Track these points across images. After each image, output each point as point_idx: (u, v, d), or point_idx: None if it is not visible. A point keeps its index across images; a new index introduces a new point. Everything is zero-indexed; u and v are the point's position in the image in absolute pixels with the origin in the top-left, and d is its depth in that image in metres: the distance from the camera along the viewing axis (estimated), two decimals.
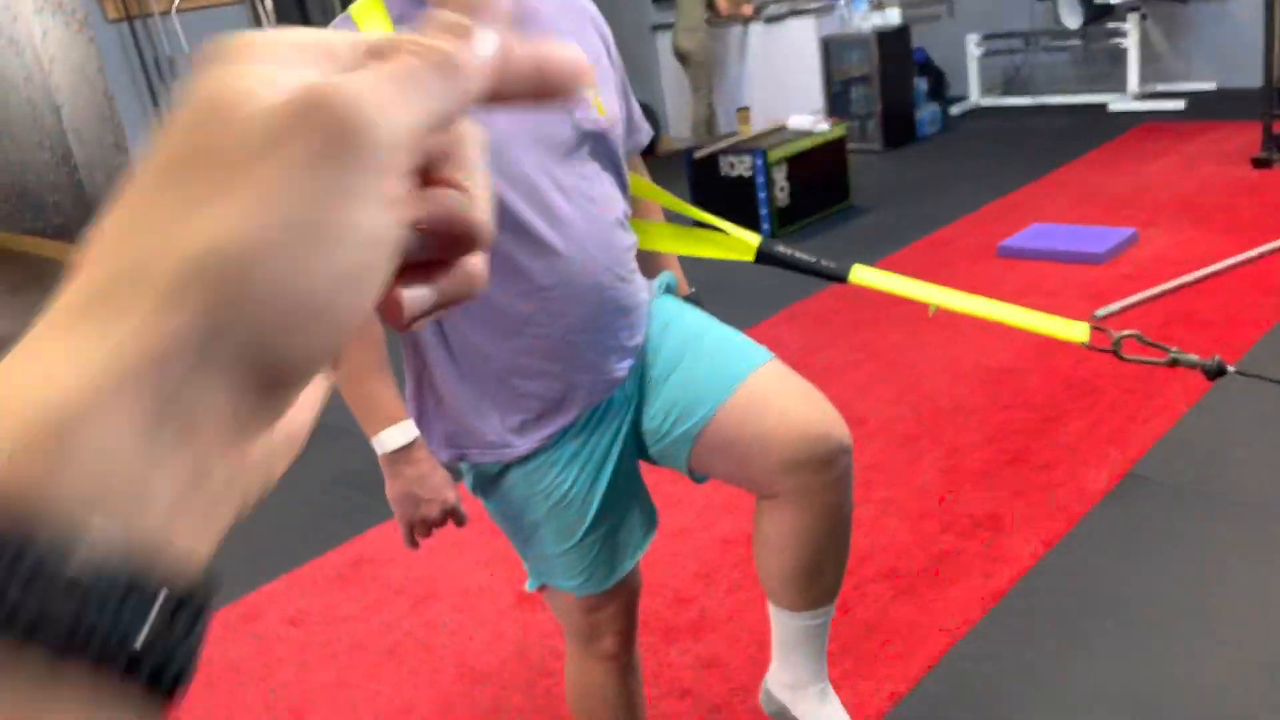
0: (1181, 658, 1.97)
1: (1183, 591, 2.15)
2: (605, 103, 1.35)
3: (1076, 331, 1.46)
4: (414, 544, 1.36)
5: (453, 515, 1.36)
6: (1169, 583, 2.18)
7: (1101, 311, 3.52)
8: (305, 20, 7.02)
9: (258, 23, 6.50)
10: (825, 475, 1.34)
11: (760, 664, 2.14)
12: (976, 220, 4.89)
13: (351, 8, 1.25)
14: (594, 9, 1.43)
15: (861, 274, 1.48)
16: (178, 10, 6.12)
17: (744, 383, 1.36)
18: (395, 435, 1.29)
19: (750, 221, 5.23)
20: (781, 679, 1.54)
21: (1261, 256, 3.80)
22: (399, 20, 1.24)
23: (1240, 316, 3.36)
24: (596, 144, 1.33)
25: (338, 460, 3.49)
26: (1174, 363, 1.37)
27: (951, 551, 2.41)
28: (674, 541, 2.63)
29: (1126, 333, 1.45)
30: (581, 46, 1.33)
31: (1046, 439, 2.83)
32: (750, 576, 2.43)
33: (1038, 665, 2.02)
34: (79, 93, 6.45)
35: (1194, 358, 1.36)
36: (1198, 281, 3.68)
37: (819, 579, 1.44)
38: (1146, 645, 2.02)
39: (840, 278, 1.48)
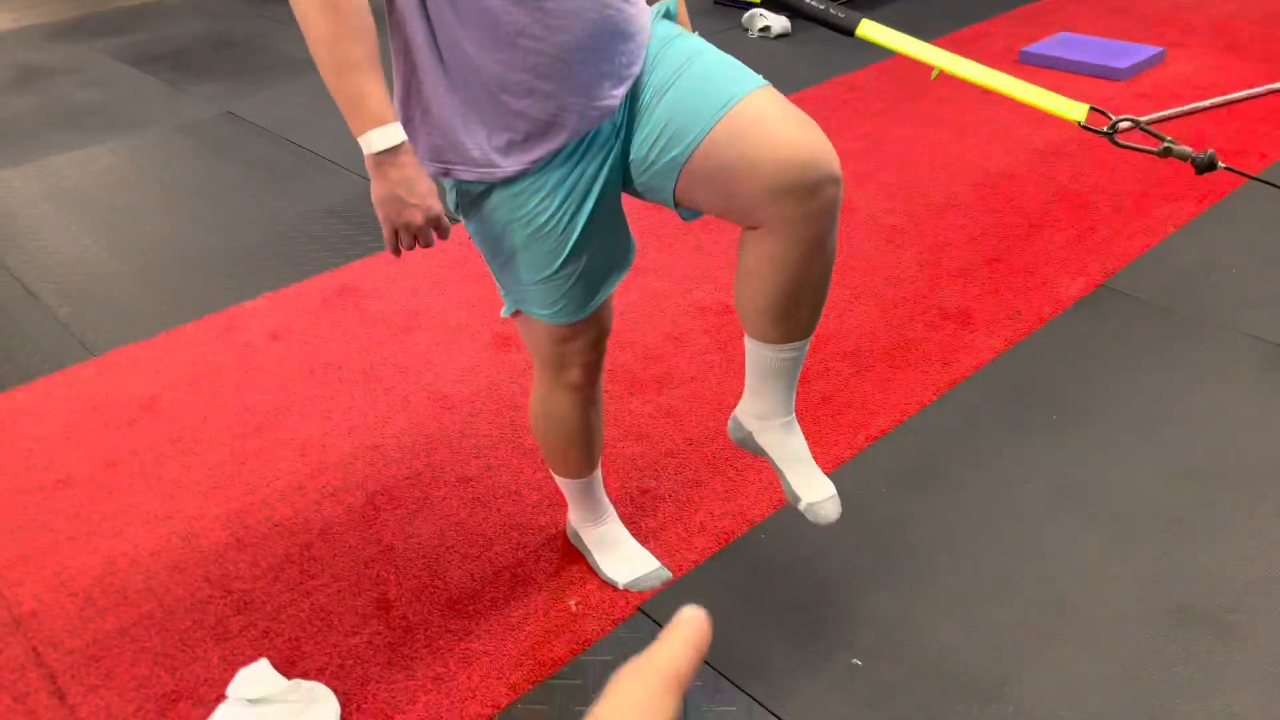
0: (1116, 456, 2.08)
1: (1131, 400, 2.24)
2: None
3: (1075, 110, 1.44)
4: (397, 250, 1.37)
5: (437, 225, 1.33)
6: (1120, 390, 2.27)
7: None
8: None
9: None
10: (810, 203, 1.30)
11: (714, 422, 2.25)
12: (1004, 21, 4.71)
13: None
14: None
15: (869, 28, 1.44)
16: None
17: (734, 107, 1.31)
18: (383, 135, 1.26)
19: None
20: (750, 409, 1.58)
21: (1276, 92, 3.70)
22: None
23: (1252, 147, 3.32)
24: None
25: (329, 191, 3.50)
26: (1166, 152, 1.37)
27: (917, 339, 2.48)
28: (650, 303, 2.69)
29: (1124, 118, 1.44)
30: None
31: (1029, 244, 2.85)
32: (717, 343, 2.51)
33: (979, 446, 2.13)
34: None
35: (1187, 149, 1.36)
36: (1214, 107, 3.61)
37: (795, 311, 1.43)
38: (1086, 442, 2.12)
39: (848, 29, 1.43)
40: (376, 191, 1.30)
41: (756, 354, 1.50)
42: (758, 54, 4.48)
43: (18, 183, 3.72)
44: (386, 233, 1.33)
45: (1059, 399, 2.26)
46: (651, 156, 1.36)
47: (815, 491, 1.57)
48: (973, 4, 4.98)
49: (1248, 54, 4.09)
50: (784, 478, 1.59)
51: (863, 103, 3.87)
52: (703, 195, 1.37)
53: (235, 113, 4.27)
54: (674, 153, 1.34)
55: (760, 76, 1.36)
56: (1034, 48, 4.18)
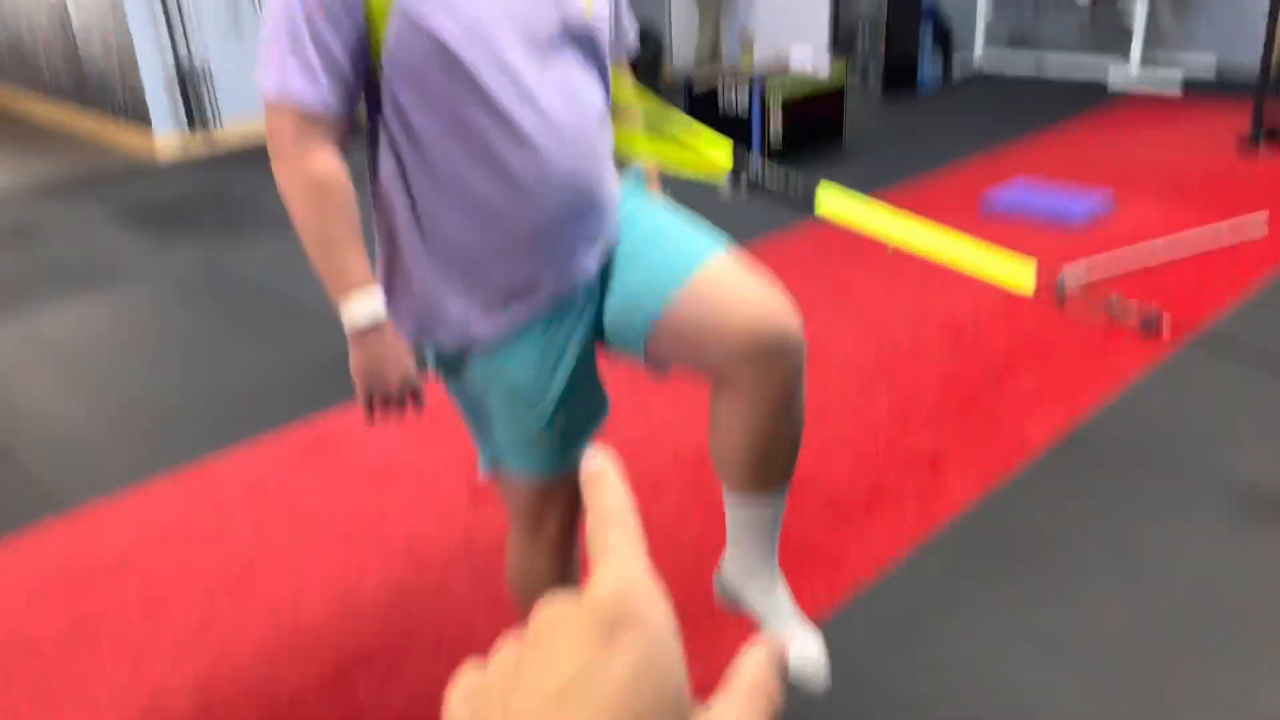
0: (1096, 603, 2.08)
1: (1107, 546, 2.26)
2: (595, 4, 1.38)
3: (1023, 279, 1.51)
4: (371, 418, 1.40)
5: (413, 394, 1.38)
6: (1095, 537, 2.29)
7: (1068, 271, 3.59)
8: None
9: None
10: (776, 366, 1.36)
11: (695, 572, 2.24)
12: (963, 173, 4.93)
13: None
14: None
15: (827, 200, 1.52)
16: None
17: (700, 270, 1.37)
18: (363, 305, 1.32)
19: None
20: (734, 566, 1.60)
21: (1233, 235, 3.87)
22: None
23: (1204, 293, 3.44)
24: (582, 42, 1.36)
25: (308, 342, 3.55)
26: (1110, 314, 1.42)
27: (891, 486, 2.50)
28: (627, 450, 2.71)
29: (1070, 279, 1.51)
30: None
31: (997, 389, 2.92)
32: (695, 494, 2.52)
33: (959, 598, 2.12)
34: None
35: (1132, 309, 1.41)
36: (1166, 253, 3.76)
37: (769, 464, 1.46)
38: (1065, 590, 2.13)
39: (806, 200, 1.51)
40: (355, 361, 1.34)
41: (735, 508, 1.53)
42: (720, 207, 4.64)
43: (2, 340, 3.75)
44: (362, 400, 1.36)
45: (1035, 547, 2.27)
46: (623, 318, 1.42)
47: (802, 651, 1.56)
48: (934, 156, 5.22)
49: (1193, 203, 4.28)
50: (769, 637, 1.58)
51: (830, 250, 4.00)
52: (672, 354, 1.42)
53: (220, 267, 4.35)
54: (643, 315, 1.39)
55: (722, 239, 1.43)
56: (994, 196, 4.36)
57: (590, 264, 1.41)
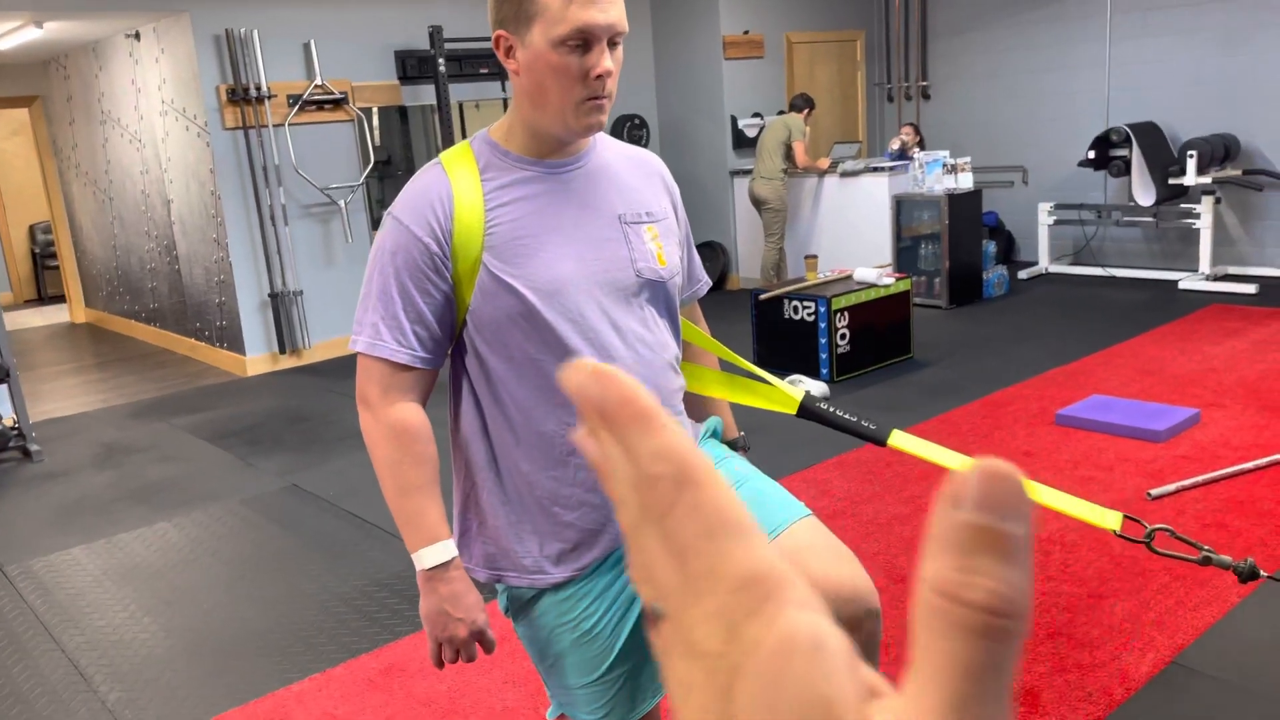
0: None
1: None
2: (667, 254, 1.44)
3: (1109, 519, 1.47)
4: (439, 663, 1.40)
5: (480, 638, 1.39)
6: None
7: (1155, 491, 3.48)
8: (407, 141, 7.44)
9: (363, 142, 6.90)
10: (852, 636, 1.34)
11: None
12: (1036, 385, 4.89)
13: (443, 155, 1.38)
14: (664, 169, 1.54)
15: (900, 439, 1.52)
16: (290, 123, 6.54)
17: (781, 535, 1.39)
18: (436, 553, 1.34)
19: (809, 366, 5.30)
20: None
21: None
22: (485, 168, 1.35)
23: None
24: (655, 291, 1.42)
25: (382, 563, 3.56)
26: (1206, 561, 1.37)
27: None
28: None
29: (1159, 526, 1.46)
30: (651, 202, 1.44)
31: (1090, 616, 2.77)
32: None
33: None
34: (189, 190, 6.88)
35: (1227, 559, 1.36)
36: (1257, 470, 3.62)
37: None
38: None
39: (879, 440, 1.52)
40: (425, 606, 1.35)
41: None
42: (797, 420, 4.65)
43: (86, 560, 3.84)
44: (431, 646, 1.37)
45: None
46: None
47: None
48: (1003, 369, 5.22)
49: (1279, 414, 4.17)
50: None
51: (906, 466, 3.95)
52: None
53: (299, 485, 4.46)
54: None
55: (804, 506, 1.44)
56: (1070, 410, 4.31)
57: None
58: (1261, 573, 1.30)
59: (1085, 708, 2.38)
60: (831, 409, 1.60)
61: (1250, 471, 3.61)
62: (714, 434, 1.59)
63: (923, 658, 0.24)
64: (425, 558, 1.34)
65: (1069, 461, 3.86)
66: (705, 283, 1.65)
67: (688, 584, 0.25)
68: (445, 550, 1.35)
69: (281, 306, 6.67)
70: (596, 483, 1.37)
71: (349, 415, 5.50)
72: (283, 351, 6.75)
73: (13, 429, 5.14)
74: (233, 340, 6.81)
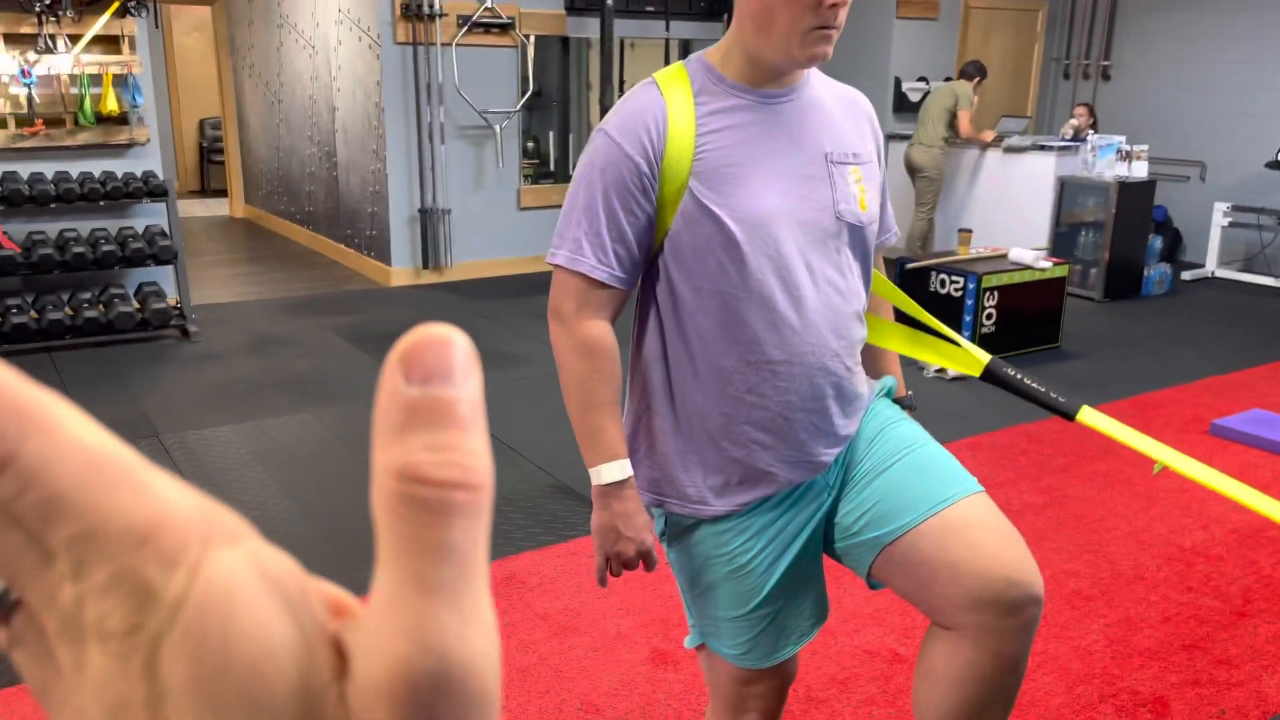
0: None
1: None
2: (869, 199, 1.41)
3: None
4: (603, 578, 1.42)
5: (645, 557, 1.40)
6: None
7: None
8: (565, 70, 7.48)
9: (524, 69, 6.96)
10: (1010, 621, 1.31)
11: None
12: (1191, 391, 4.66)
13: (658, 75, 1.37)
14: (872, 112, 1.50)
15: (1090, 415, 1.47)
16: (458, 44, 6.64)
17: (948, 507, 1.35)
18: (613, 470, 1.36)
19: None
20: None
21: None
22: (699, 92, 1.34)
23: None
24: (853, 236, 1.39)
25: (509, 480, 3.65)
26: None
27: None
28: (816, 641, 2.61)
29: None
30: (858, 144, 1.41)
31: (1232, 633, 2.65)
32: (886, 693, 2.38)
33: None
34: (355, 100, 7.07)
35: None
36: None
37: None
38: None
39: (1068, 414, 1.46)
40: (597, 520, 1.38)
41: None
42: (933, 394, 4.55)
43: (235, 439, 4.06)
44: (599, 560, 1.40)
45: None
46: (856, 528, 1.40)
47: None
48: (1157, 370, 4.98)
49: None
50: None
51: (1043, 455, 3.83)
52: (898, 580, 1.39)
53: None
54: (879, 533, 1.37)
55: (976, 480, 1.40)
56: (1227, 421, 4.09)
57: (826, 457, 1.40)
58: None
59: None
60: (1020, 376, 1.55)
61: None
62: (888, 393, 1.56)
63: (390, 552, 0.21)
64: (603, 473, 1.36)
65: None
66: (895, 233, 1.61)
67: (58, 556, 0.20)
68: (622, 469, 1.36)
69: (429, 223, 6.84)
70: (769, 423, 1.36)
71: (485, 334, 5.63)
72: (426, 266, 6.93)
73: (175, 308, 5.44)
74: (380, 250, 7.03)
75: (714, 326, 1.34)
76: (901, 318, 1.67)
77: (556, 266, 1.36)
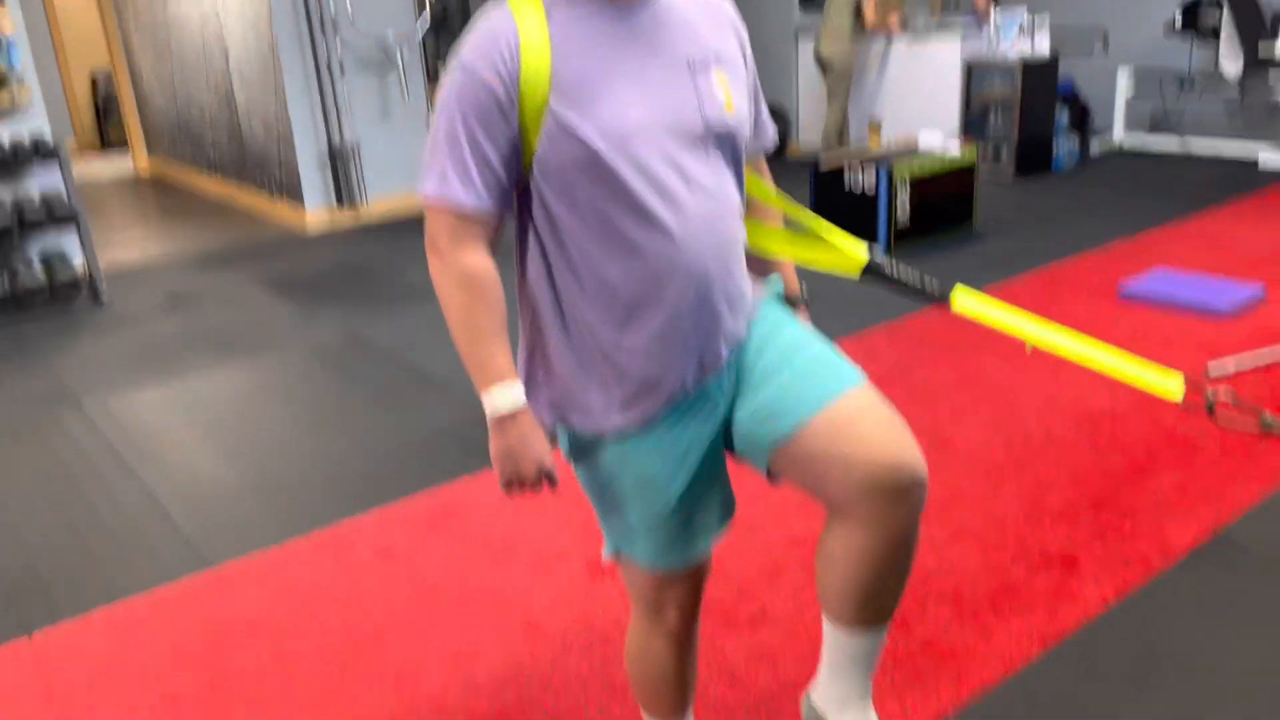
0: None
1: (1252, 663, 2.12)
2: (736, 101, 1.42)
3: (1171, 385, 1.47)
4: (509, 493, 1.47)
5: (547, 477, 1.45)
6: (1240, 653, 2.15)
7: (1215, 369, 3.43)
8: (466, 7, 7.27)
9: None
10: (899, 504, 1.37)
11: (811, 665, 2.20)
12: (1100, 258, 4.79)
13: None
14: (734, 12, 1.50)
15: (963, 300, 1.52)
16: None
17: (834, 402, 1.40)
18: (504, 396, 1.38)
19: (868, 237, 5.22)
20: (827, 693, 1.58)
21: None
22: (550, 7, 1.33)
23: None
24: (722, 139, 1.40)
25: (441, 412, 3.67)
26: (1268, 429, 1.36)
27: (1019, 584, 2.42)
28: (745, 535, 2.70)
29: (1221, 391, 1.45)
30: (720, 46, 1.41)
31: (1135, 487, 2.79)
32: (812, 576, 2.48)
33: (1089, 705, 2.02)
34: (247, 40, 6.82)
35: None
36: None
37: (876, 601, 1.47)
38: (1202, 705, 2.00)
39: (942, 299, 1.51)
40: (495, 448, 1.41)
41: (837, 639, 1.51)
42: (849, 283, 4.63)
43: (159, 400, 4.01)
44: (501, 483, 1.44)
45: (1174, 658, 2.15)
46: (751, 429, 1.44)
47: None
48: (1067, 241, 5.10)
49: None
50: None
51: (957, 334, 3.93)
52: (794, 476, 1.44)
53: (361, 337, 4.57)
54: (772, 433, 1.41)
55: (860, 373, 1.44)
56: (1132, 283, 4.22)
57: (721, 360, 1.44)
58: None
59: (1123, 574, 2.43)
60: (895, 268, 1.59)
61: None
62: (775, 294, 1.59)
63: None
64: (495, 401, 1.38)
65: (1128, 335, 3.81)
66: (772, 138, 1.63)
67: None
68: (513, 393, 1.38)
69: (339, 160, 6.69)
70: (660, 332, 1.39)
71: (409, 271, 5.58)
72: (341, 206, 6.80)
73: (83, 274, 5.29)
74: (292, 193, 6.87)
75: (594, 242, 1.35)
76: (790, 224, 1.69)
77: (426, 199, 1.36)
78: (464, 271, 1.36)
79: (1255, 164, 6.47)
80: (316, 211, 6.79)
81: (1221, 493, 2.73)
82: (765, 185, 1.63)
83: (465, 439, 3.43)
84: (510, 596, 2.53)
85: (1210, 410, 1.36)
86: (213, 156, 8.12)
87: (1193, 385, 1.42)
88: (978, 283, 4.53)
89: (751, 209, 1.63)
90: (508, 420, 1.39)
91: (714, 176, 1.41)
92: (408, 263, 5.74)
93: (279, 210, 7.13)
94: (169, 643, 2.44)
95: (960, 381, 3.53)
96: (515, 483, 1.44)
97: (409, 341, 4.43)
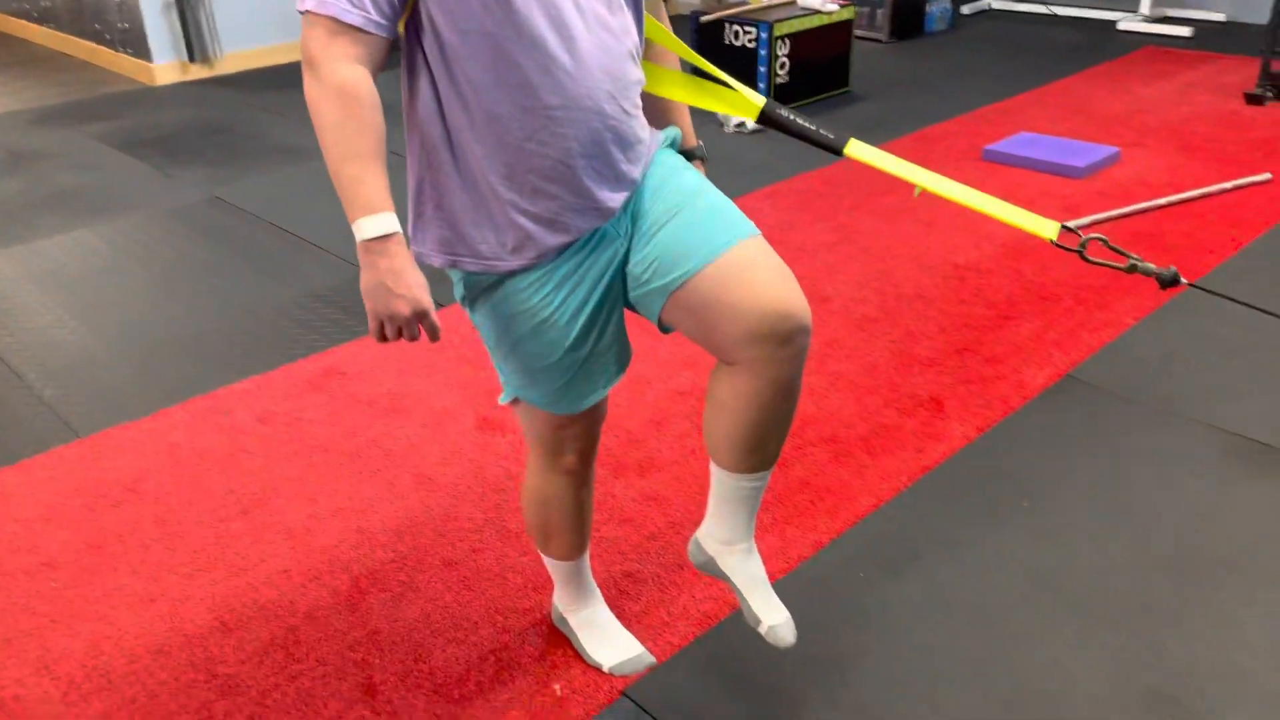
0: (1084, 543, 2.15)
1: (1098, 487, 2.32)
2: None
3: (1047, 228, 1.55)
4: (382, 339, 1.36)
5: (423, 320, 1.34)
6: (1087, 478, 2.35)
7: (1072, 224, 3.62)
8: None
9: None
10: (784, 350, 1.41)
11: (696, 506, 2.30)
12: (967, 122, 4.92)
13: None
14: None
15: (856, 148, 1.54)
16: None
17: (727, 252, 1.41)
18: (375, 224, 1.29)
19: None
20: (713, 534, 1.65)
21: (1236, 189, 3.89)
22: None
23: (1204, 244, 3.47)
24: None
25: (315, 276, 3.57)
26: (1133, 269, 1.47)
27: (890, 426, 2.56)
28: (633, 388, 2.76)
29: (1093, 234, 1.54)
30: None
31: (997, 335, 2.96)
32: (698, 427, 2.57)
33: (954, 532, 2.19)
34: None
35: (1151, 266, 1.46)
36: (1168, 206, 3.78)
37: (762, 445, 1.52)
38: (1056, 528, 2.19)
39: (836, 149, 1.53)
40: (365, 280, 1.31)
41: (723, 482, 1.57)
42: (735, 148, 4.65)
43: (3, 265, 3.76)
44: (372, 324, 1.34)
45: (1029, 486, 2.33)
46: (645, 277, 1.45)
47: (774, 615, 1.63)
48: (937, 104, 5.21)
49: (1196, 155, 4.30)
50: (744, 602, 1.64)
51: (835, 196, 4.02)
52: (685, 324, 1.46)
53: (222, 198, 4.35)
54: (665, 280, 1.42)
55: (753, 224, 1.46)
56: (996, 146, 4.37)
57: (614, 203, 1.43)
58: (1182, 279, 1.39)
59: (984, 413, 2.59)
60: (791, 116, 1.60)
61: (1161, 207, 3.76)
62: (671, 144, 1.58)
63: None
64: (364, 227, 1.29)
65: (992, 195, 3.96)
66: None
67: None
68: (386, 222, 1.30)
69: (187, 8, 6.21)
70: (551, 170, 1.37)
71: (273, 129, 5.30)
72: (192, 60, 6.35)
73: None
74: (137, 45, 6.37)
75: (485, 72, 1.31)
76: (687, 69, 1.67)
77: (306, 12, 1.27)
78: (339, 85, 1.28)
79: (1114, 26, 6.68)
80: (165, 66, 6.32)
81: (1073, 339, 2.92)
82: (664, 29, 1.60)
83: (345, 303, 3.35)
84: (400, 452, 2.53)
85: (1082, 250, 1.44)
86: (44, 4, 7.41)
87: (1066, 231, 1.50)
88: None
89: (650, 54, 1.61)
90: (378, 250, 1.29)
91: (612, 14, 1.37)
92: (271, 120, 5.44)
93: (122, 63, 6.60)
94: (41, 510, 2.37)
95: (836, 242, 3.62)
96: (388, 324, 1.33)
97: (277, 203, 4.24)
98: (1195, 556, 2.09)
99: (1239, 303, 1.62)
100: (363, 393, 2.80)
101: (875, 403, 2.66)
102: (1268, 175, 3.98)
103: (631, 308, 1.53)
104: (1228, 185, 3.90)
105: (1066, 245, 1.59)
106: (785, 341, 1.40)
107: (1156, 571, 2.06)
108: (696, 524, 2.23)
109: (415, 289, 1.31)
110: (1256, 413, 2.56)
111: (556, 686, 1.83)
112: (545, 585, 2.06)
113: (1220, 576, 2.04)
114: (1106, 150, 4.23)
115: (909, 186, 4.04)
